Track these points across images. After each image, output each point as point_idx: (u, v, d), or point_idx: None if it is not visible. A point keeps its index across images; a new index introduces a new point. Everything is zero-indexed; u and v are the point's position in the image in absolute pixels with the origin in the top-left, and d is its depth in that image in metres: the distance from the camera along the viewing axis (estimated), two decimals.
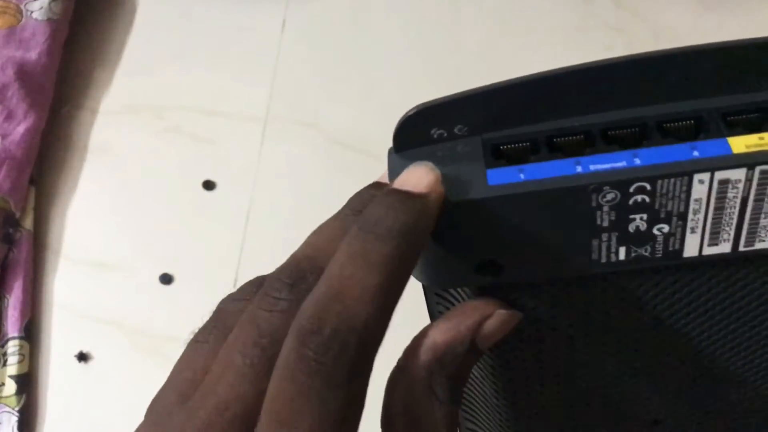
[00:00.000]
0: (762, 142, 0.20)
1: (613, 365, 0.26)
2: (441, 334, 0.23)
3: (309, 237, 0.24)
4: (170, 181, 0.64)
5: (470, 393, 0.29)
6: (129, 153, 0.66)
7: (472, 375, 0.28)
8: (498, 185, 0.21)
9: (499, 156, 0.22)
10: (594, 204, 0.21)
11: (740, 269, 0.23)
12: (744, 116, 0.21)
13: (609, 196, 0.20)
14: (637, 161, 0.20)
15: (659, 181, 0.20)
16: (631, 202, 0.21)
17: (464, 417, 0.31)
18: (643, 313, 0.24)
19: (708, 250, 0.22)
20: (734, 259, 0.22)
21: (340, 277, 0.20)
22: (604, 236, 0.21)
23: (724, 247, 0.22)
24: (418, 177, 0.21)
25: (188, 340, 0.24)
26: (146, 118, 0.66)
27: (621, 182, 0.20)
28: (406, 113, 0.22)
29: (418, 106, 0.22)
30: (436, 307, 0.26)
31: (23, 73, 0.63)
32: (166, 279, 0.61)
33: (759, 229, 0.21)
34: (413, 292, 0.26)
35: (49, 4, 0.65)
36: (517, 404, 0.28)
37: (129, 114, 0.67)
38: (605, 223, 0.21)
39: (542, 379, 0.27)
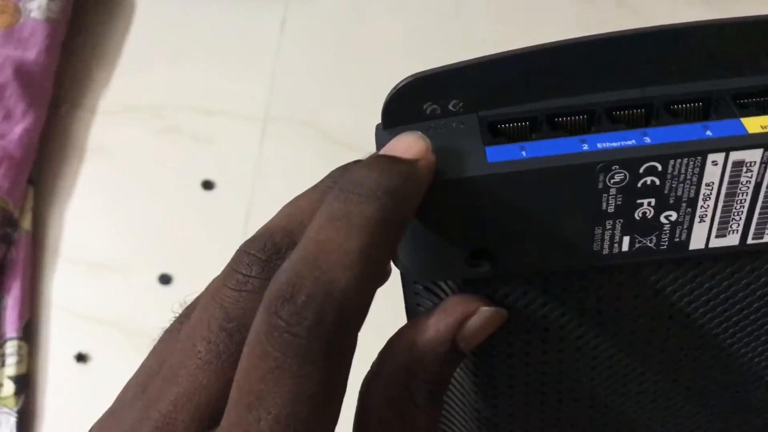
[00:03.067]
0: None
1: (606, 372, 0.24)
2: (419, 334, 0.21)
3: (284, 207, 0.21)
4: (169, 181, 0.64)
5: (447, 396, 0.27)
6: (128, 153, 0.65)
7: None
8: (498, 162, 0.19)
9: (497, 133, 0.20)
10: (600, 186, 0.19)
11: (745, 266, 0.21)
12: (755, 99, 0.20)
13: (617, 177, 0.19)
14: (648, 140, 0.19)
15: (671, 161, 0.19)
16: (640, 184, 0.19)
17: (440, 423, 0.28)
18: (640, 313, 0.23)
19: (715, 242, 0.20)
20: (740, 254, 0.21)
21: (318, 241, 0.18)
22: (609, 223, 0.20)
23: (732, 239, 0.20)
24: (407, 144, 0.19)
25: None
26: (145, 118, 0.66)
27: (631, 161, 0.19)
28: (398, 84, 0.20)
29: (411, 76, 0.20)
30: (414, 299, 0.24)
31: (21, 73, 0.63)
32: (165, 279, 0.61)
33: None
34: (389, 290, 0.24)
35: (48, 3, 0.65)
36: (498, 409, 0.26)
37: (128, 113, 0.67)
38: (611, 209, 0.20)
39: (528, 386, 0.25)
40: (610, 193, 0.19)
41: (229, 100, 0.65)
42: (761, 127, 0.19)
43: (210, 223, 0.62)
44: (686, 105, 0.20)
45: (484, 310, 0.21)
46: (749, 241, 0.20)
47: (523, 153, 0.19)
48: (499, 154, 0.19)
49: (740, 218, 0.20)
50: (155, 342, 0.21)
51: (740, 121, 0.19)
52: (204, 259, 0.61)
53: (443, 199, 0.20)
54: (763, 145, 0.19)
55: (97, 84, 0.68)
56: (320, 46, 0.66)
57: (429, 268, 0.21)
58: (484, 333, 0.22)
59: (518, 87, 0.20)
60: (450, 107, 0.20)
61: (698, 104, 0.20)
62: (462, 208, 0.20)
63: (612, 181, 0.19)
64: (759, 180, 0.19)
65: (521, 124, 0.20)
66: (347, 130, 0.63)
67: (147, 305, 0.60)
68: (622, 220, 0.20)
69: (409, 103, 0.20)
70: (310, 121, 0.63)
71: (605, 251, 0.20)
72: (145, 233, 0.63)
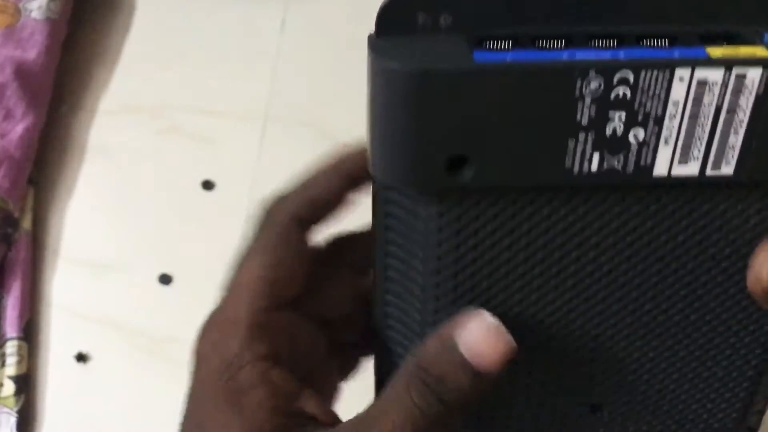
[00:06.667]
0: (738, 53, 0.21)
1: (566, 306, 0.26)
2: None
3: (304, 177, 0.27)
4: (169, 181, 0.64)
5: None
6: (128, 153, 0.66)
7: None
8: (484, 62, 0.21)
9: (483, 46, 0.22)
10: (577, 93, 0.21)
11: (704, 203, 0.24)
12: (718, 39, 0.22)
13: (593, 85, 0.21)
14: (621, 55, 0.21)
15: (642, 72, 0.21)
16: (612, 95, 0.21)
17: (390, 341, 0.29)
18: (605, 246, 0.24)
19: (677, 170, 0.22)
20: (699, 190, 0.23)
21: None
22: (581, 136, 0.22)
23: (693, 168, 0.22)
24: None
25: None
26: (145, 118, 0.66)
27: (606, 68, 0.21)
28: None
29: None
30: (384, 221, 0.25)
31: (22, 73, 0.63)
32: (165, 279, 0.61)
33: (727, 149, 0.22)
34: None
35: (48, 3, 0.65)
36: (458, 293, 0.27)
37: (128, 114, 0.67)
38: (584, 120, 0.21)
39: (490, 303, 0.26)
40: (585, 103, 0.21)
41: (229, 100, 0.65)
42: (723, 54, 0.21)
43: (210, 223, 0.62)
44: (656, 40, 0.22)
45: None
46: (708, 172, 0.22)
47: (508, 57, 0.21)
48: (485, 56, 0.21)
49: (701, 144, 0.22)
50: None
51: (704, 49, 0.21)
52: (204, 259, 0.61)
53: (427, 94, 0.21)
54: (724, 64, 0.21)
55: (97, 84, 0.68)
56: (320, 46, 0.66)
57: (406, 171, 0.23)
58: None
59: (505, 11, 0.22)
60: (441, 21, 0.22)
61: (666, 40, 0.22)
62: (445, 105, 0.21)
63: (588, 88, 0.21)
64: (719, 103, 0.21)
65: (506, 42, 0.22)
66: (348, 131, 0.63)
67: (147, 305, 0.60)
68: (594, 134, 0.22)
69: (402, 11, 0.22)
70: (310, 121, 0.63)
71: (575, 169, 0.22)
72: (145, 233, 0.63)
